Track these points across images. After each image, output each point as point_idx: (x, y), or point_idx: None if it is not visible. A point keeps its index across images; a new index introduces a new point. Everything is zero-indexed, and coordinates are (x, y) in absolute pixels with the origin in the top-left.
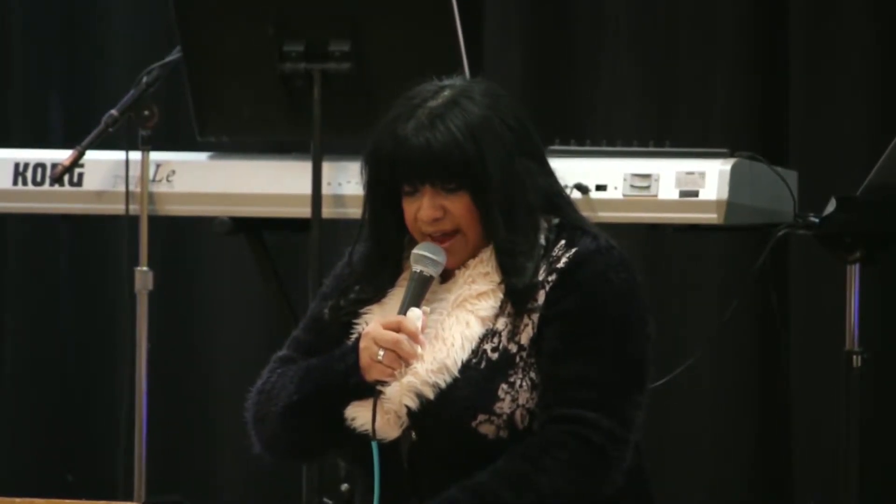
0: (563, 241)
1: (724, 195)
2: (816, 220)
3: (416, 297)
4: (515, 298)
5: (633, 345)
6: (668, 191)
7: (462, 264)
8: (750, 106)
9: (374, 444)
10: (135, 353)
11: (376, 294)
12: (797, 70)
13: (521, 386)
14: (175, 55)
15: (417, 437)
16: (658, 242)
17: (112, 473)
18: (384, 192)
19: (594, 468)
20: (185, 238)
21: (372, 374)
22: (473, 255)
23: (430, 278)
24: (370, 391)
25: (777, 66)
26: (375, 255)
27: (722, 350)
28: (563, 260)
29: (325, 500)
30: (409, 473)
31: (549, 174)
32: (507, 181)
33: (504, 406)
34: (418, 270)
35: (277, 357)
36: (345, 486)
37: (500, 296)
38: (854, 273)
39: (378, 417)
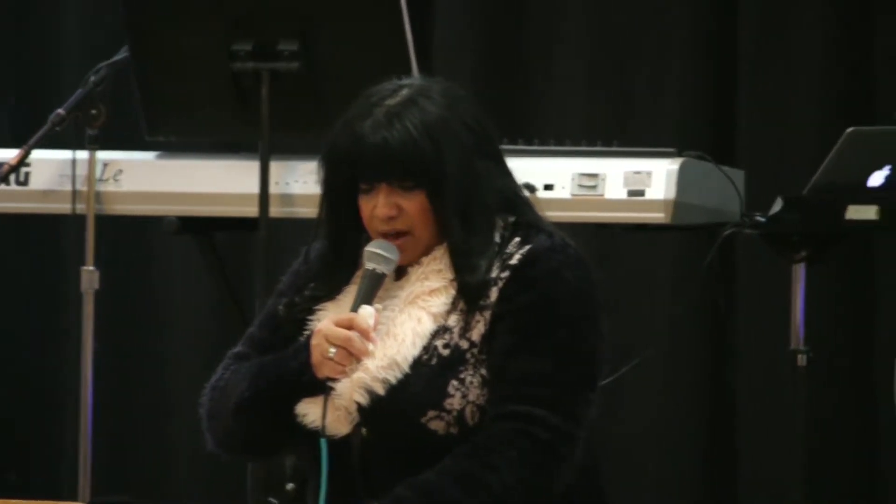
0: (517, 239)
1: (672, 195)
2: (763, 220)
3: (369, 295)
4: (468, 296)
5: (584, 342)
6: (615, 190)
7: (416, 261)
8: (697, 106)
9: (322, 441)
10: (81, 353)
11: (331, 292)
12: (745, 70)
13: (471, 382)
14: (123, 54)
15: (368, 434)
16: (606, 242)
17: (57, 473)
18: (341, 190)
19: (543, 465)
20: (132, 237)
21: (323, 371)
22: (427, 253)
23: (383, 276)
24: (322, 388)
25: (725, 66)
26: (332, 252)
27: (670, 349)
28: (517, 257)
29: (271, 499)
30: (360, 470)
31: (507, 174)
32: (464, 181)
33: (454, 402)
34: (371, 268)
35: (232, 353)
36: (290, 486)
37: (453, 292)
38: (800, 272)
39: (329, 414)
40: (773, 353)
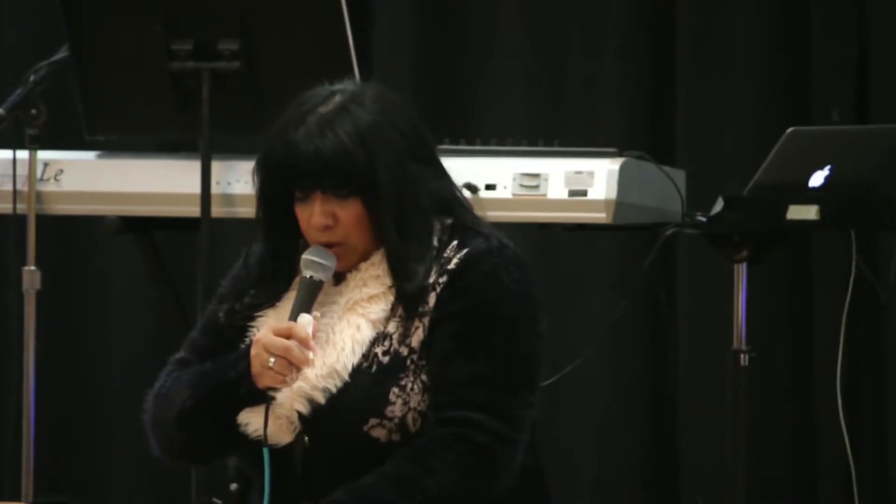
0: (455, 243)
1: (613, 195)
2: (704, 220)
3: (307, 303)
4: (406, 303)
5: (522, 344)
6: (557, 190)
7: (354, 267)
8: (638, 105)
9: (265, 451)
10: (22, 353)
11: (271, 298)
12: (684, 70)
13: (412, 389)
14: (63, 53)
15: (310, 442)
16: (548, 242)
17: (0, 474)
18: (277, 198)
19: (481, 469)
20: (73, 237)
21: (263, 381)
22: (365, 259)
23: (320, 283)
24: (262, 397)
25: (664, 65)
26: (269, 259)
27: (611, 349)
28: (454, 261)
29: (215, 499)
30: (304, 478)
31: (443, 176)
32: (399, 187)
33: (395, 409)
34: (308, 276)
35: (174, 359)
36: (234, 486)
37: (392, 299)
38: (741, 272)
39: (270, 423)
40: (714, 353)
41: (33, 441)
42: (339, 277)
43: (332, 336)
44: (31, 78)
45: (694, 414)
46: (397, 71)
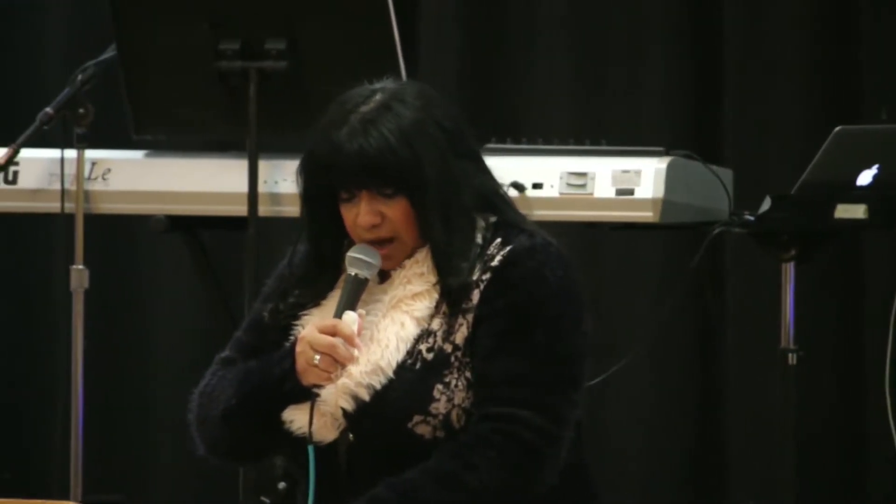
0: (498, 240)
1: (660, 193)
2: (752, 219)
3: (352, 300)
4: (450, 299)
5: (567, 342)
6: (604, 189)
7: (399, 265)
8: (685, 104)
9: (310, 448)
10: (71, 352)
11: (315, 298)
12: (732, 69)
13: (456, 386)
14: (110, 53)
15: (354, 439)
16: (595, 241)
17: (49, 471)
18: (321, 199)
19: (525, 466)
20: (121, 236)
21: (308, 379)
22: (409, 256)
23: (365, 281)
24: (307, 395)
25: (712, 64)
26: (314, 259)
27: (658, 348)
28: (498, 258)
29: (263, 498)
30: (348, 475)
31: (486, 173)
32: (443, 183)
33: (440, 406)
34: (353, 273)
35: (220, 358)
36: (282, 485)
37: (436, 296)
38: (789, 271)
39: (315, 420)
40: (762, 352)
41: (82, 440)
42: (383, 276)
43: (376, 333)
44: (79, 77)
45: (742, 413)
46: (443, 70)
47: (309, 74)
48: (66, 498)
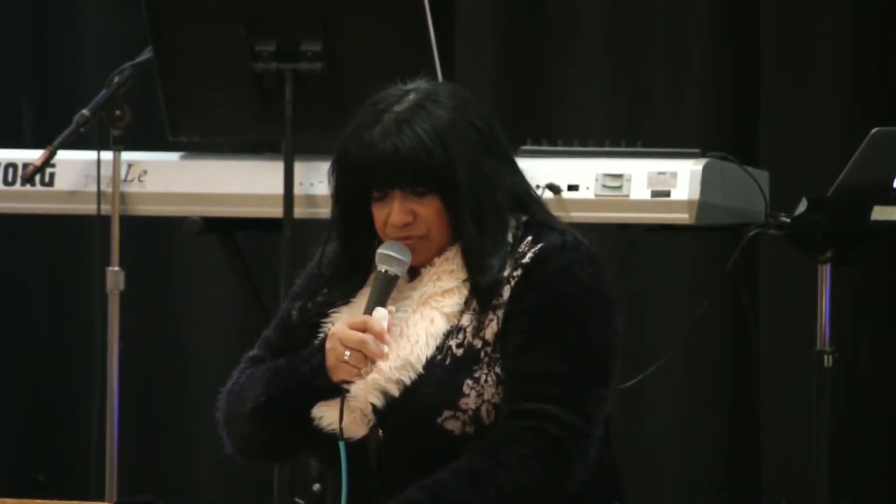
0: (529, 238)
1: (696, 195)
2: (788, 221)
3: (382, 297)
4: (480, 296)
5: (596, 339)
6: (639, 191)
7: (428, 262)
8: (721, 106)
9: (341, 444)
10: (106, 353)
11: (344, 296)
12: (767, 70)
13: (486, 381)
14: (147, 55)
15: (384, 435)
16: (630, 242)
17: (84, 473)
18: (353, 198)
19: (555, 463)
20: (156, 238)
21: (338, 375)
22: (439, 254)
23: (396, 277)
24: (337, 391)
25: (748, 66)
26: (344, 259)
27: (693, 350)
28: (529, 255)
29: (297, 500)
30: (378, 471)
31: (517, 173)
32: (476, 183)
33: (469, 402)
34: (383, 270)
35: (248, 357)
36: (316, 487)
37: (465, 292)
38: (825, 273)
39: (345, 417)
40: (797, 355)
41: (117, 441)
42: (412, 273)
43: (405, 329)
44: (116, 79)
45: (777, 415)
46: (479, 72)
47: (344, 76)
48: (102, 500)
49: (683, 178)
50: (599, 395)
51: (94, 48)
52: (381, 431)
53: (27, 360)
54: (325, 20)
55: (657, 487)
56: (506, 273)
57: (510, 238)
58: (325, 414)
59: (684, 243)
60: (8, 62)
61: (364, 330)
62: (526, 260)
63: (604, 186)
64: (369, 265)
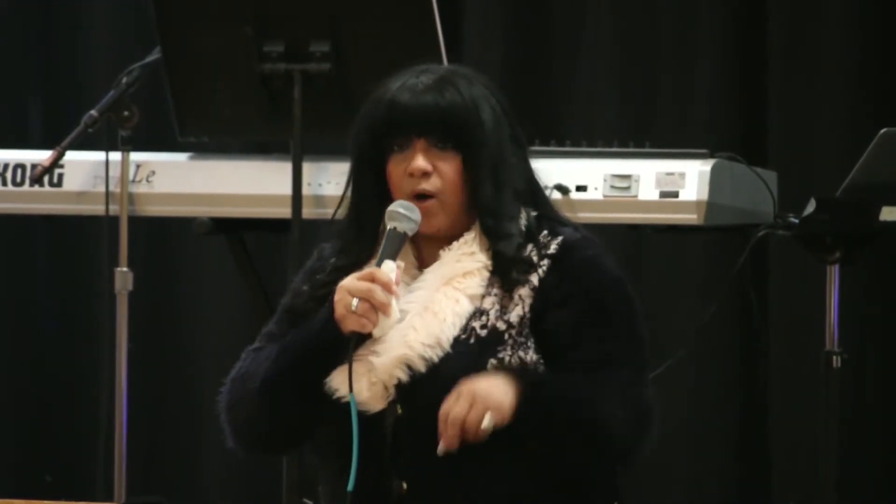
0: (545, 230)
1: (704, 196)
2: (796, 221)
3: (391, 252)
4: (503, 268)
5: (637, 324)
6: (648, 191)
7: (439, 231)
8: (730, 106)
9: (351, 397)
10: (115, 354)
11: (354, 266)
12: (777, 71)
13: (509, 363)
14: (155, 56)
15: (403, 411)
16: (638, 243)
17: (92, 474)
18: (371, 161)
19: (640, 427)
20: (165, 238)
21: (347, 325)
22: (449, 226)
23: (405, 235)
24: (346, 348)
25: (757, 66)
26: (354, 225)
27: (702, 351)
28: (553, 246)
29: (305, 500)
30: (392, 448)
31: (531, 169)
32: (498, 151)
33: None
34: (392, 227)
35: (250, 350)
36: None
37: (487, 275)
38: (834, 273)
39: (365, 388)
40: (806, 355)
41: (125, 442)
42: (430, 259)
43: (432, 306)
44: (124, 80)
45: (785, 416)
46: (487, 72)
47: (353, 76)
48: (110, 500)
49: (692, 178)
50: (648, 374)
51: (102, 49)
52: (399, 407)
53: (35, 360)
54: (334, 20)
55: (666, 487)
56: (534, 258)
57: (523, 225)
58: (341, 385)
59: (693, 244)
60: (16, 63)
61: (372, 280)
62: (551, 250)
63: (612, 187)
64: (378, 235)
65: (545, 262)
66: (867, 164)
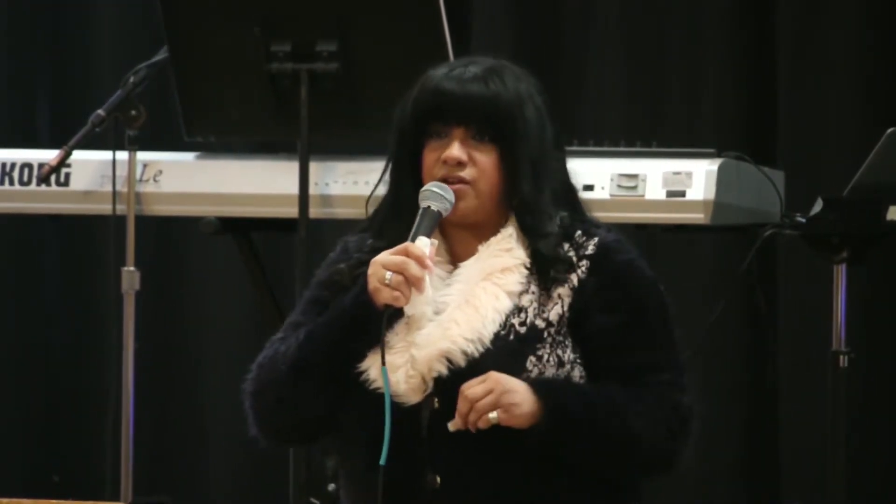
0: (579, 231)
1: (711, 195)
2: (803, 221)
3: (425, 230)
4: (541, 266)
5: (674, 327)
6: (655, 191)
7: (466, 217)
8: (738, 106)
9: (383, 370)
10: (122, 354)
11: (391, 245)
12: (785, 70)
13: (548, 361)
14: (162, 55)
15: (440, 405)
16: (645, 243)
17: (99, 474)
18: (413, 137)
19: (679, 437)
20: (172, 238)
21: (380, 298)
22: (479, 214)
23: (438, 214)
24: (378, 323)
25: (765, 66)
26: (392, 208)
27: (709, 350)
28: (591, 247)
29: (313, 500)
30: (428, 442)
31: (567, 172)
32: (538, 150)
33: (531, 378)
34: (426, 206)
35: (275, 339)
36: (332, 486)
37: (525, 273)
38: (841, 273)
39: (402, 381)
40: (813, 355)
41: (132, 441)
42: (467, 253)
43: (473, 300)
44: (131, 79)
45: (793, 415)
46: None
47: (360, 76)
48: (117, 500)
49: (699, 178)
50: (687, 380)
51: (109, 49)
52: (436, 401)
53: (42, 360)
54: (341, 20)
55: (674, 487)
56: (571, 257)
57: (557, 225)
58: (378, 378)
59: (700, 243)
60: (24, 63)
61: (406, 255)
62: (589, 251)
63: (619, 186)
64: (412, 221)
65: (584, 262)
66: (874, 163)
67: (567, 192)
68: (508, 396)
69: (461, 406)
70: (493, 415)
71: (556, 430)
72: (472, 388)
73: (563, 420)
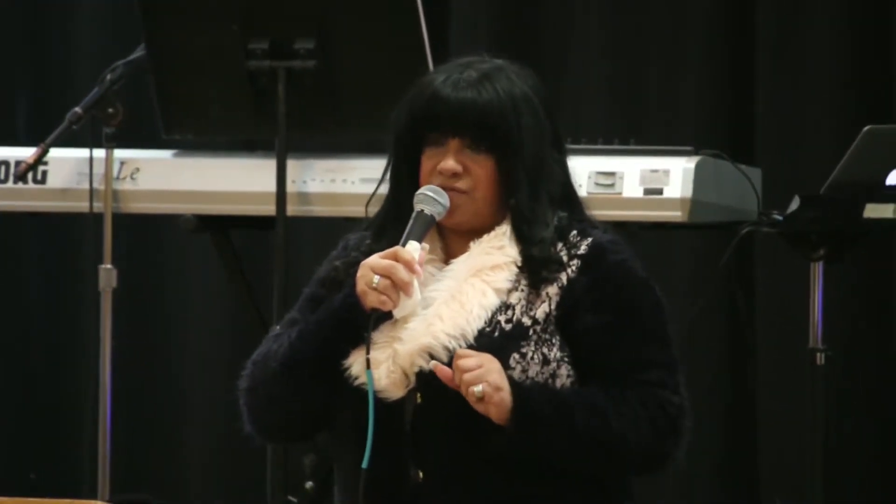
0: (574, 231)
1: (689, 193)
2: (780, 218)
3: (416, 234)
4: (532, 268)
5: (667, 326)
6: (632, 189)
7: (462, 224)
8: (715, 104)
9: (368, 374)
10: (99, 351)
11: (389, 247)
12: (762, 68)
13: (532, 358)
14: (140, 53)
15: (423, 400)
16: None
17: (76, 471)
18: (409, 145)
19: (669, 438)
20: (149, 236)
21: (368, 301)
22: (473, 222)
23: (432, 218)
24: (366, 323)
25: (743, 64)
26: (390, 211)
27: (688, 348)
28: (584, 247)
29: (291, 498)
30: (411, 437)
31: (568, 172)
32: (535, 157)
33: (514, 375)
34: (420, 209)
35: (271, 335)
36: (310, 484)
37: (515, 270)
38: (818, 271)
39: (384, 375)
40: (790, 352)
41: (110, 439)
42: (459, 250)
43: (459, 296)
44: (108, 77)
45: (770, 413)
46: None
47: (338, 74)
48: (94, 498)
49: (676, 175)
50: (681, 374)
51: (87, 46)
52: (419, 396)
53: (20, 357)
54: (319, 18)
55: (654, 486)
56: (563, 258)
57: (553, 226)
58: (362, 372)
59: (677, 241)
60: (2, 60)
61: (395, 259)
62: (581, 251)
63: (596, 184)
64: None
65: (575, 262)
66: (851, 161)
67: (567, 193)
68: (496, 377)
69: (455, 369)
70: (478, 388)
71: (524, 437)
72: (467, 358)
73: (532, 427)
